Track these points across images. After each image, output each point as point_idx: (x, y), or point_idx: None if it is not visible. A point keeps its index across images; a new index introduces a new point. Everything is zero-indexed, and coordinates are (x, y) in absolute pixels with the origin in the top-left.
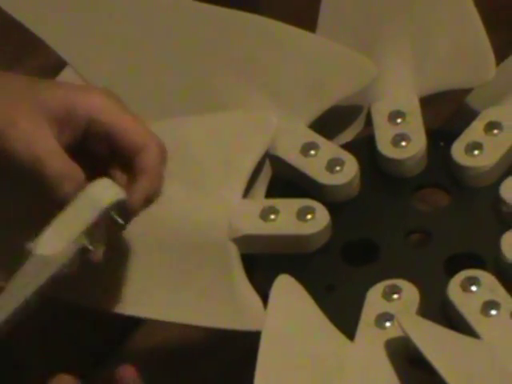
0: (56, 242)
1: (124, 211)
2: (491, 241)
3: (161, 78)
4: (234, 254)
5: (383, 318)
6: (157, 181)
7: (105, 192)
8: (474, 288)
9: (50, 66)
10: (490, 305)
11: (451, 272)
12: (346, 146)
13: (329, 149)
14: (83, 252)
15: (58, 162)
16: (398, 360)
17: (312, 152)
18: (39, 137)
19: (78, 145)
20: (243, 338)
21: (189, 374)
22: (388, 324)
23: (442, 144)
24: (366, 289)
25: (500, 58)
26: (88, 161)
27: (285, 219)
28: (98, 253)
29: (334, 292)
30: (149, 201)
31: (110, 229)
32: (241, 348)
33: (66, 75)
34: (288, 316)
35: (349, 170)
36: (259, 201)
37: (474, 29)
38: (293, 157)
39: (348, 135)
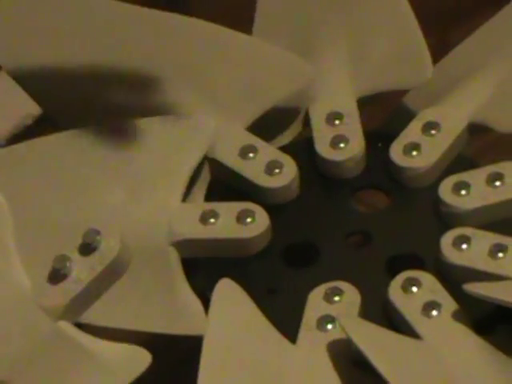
0: None
1: None
2: (431, 241)
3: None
4: (174, 258)
5: (325, 320)
6: None
7: None
8: (414, 289)
9: None
10: (430, 305)
11: (392, 273)
12: (285, 149)
13: (267, 151)
14: None
15: None
16: (340, 362)
17: (251, 155)
18: None
19: None
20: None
21: None
22: (330, 326)
23: (380, 145)
24: (308, 291)
25: (433, 58)
26: None
27: (225, 223)
28: None
29: (276, 295)
30: None
31: None
32: (184, 349)
33: None
34: (230, 321)
35: (288, 173)
36: (199, 204)
37: (411, 30)
38: (231, 160)
39: (287, 137)
